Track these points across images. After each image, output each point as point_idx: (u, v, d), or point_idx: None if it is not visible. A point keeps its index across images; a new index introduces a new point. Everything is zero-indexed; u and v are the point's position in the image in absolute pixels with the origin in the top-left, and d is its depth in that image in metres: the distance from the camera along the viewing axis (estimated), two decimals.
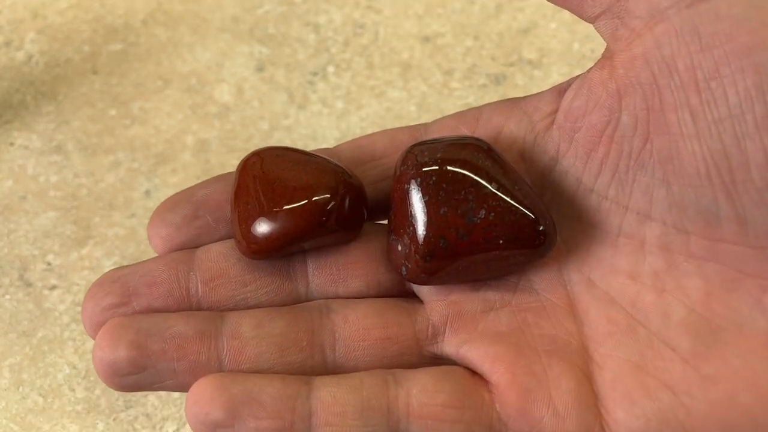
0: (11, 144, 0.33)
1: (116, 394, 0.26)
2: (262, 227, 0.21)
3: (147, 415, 0.26)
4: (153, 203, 0.31)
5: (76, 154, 0.33)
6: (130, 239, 0.30)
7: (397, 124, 0.33)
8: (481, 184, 0.21)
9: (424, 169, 0.21)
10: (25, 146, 0.33)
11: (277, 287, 0.22)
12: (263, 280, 0.22)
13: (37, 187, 0.32)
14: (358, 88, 0.35)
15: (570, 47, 0.36)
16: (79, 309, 0.28)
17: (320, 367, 0.21)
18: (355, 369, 0.21)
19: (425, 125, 0.25)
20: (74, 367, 0.27)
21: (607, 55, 0.21)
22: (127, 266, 0.22)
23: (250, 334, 0.21)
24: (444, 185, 0.21)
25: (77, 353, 0.27)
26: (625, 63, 0.20)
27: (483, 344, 0.21)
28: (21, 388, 0.27)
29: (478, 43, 0.36)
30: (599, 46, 0.37)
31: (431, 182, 0.21)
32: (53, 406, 0.26)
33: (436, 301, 0.22)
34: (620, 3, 0.20)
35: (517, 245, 0.21)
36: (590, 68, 0.22)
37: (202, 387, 0.20)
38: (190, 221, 0.23)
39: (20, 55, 0.36)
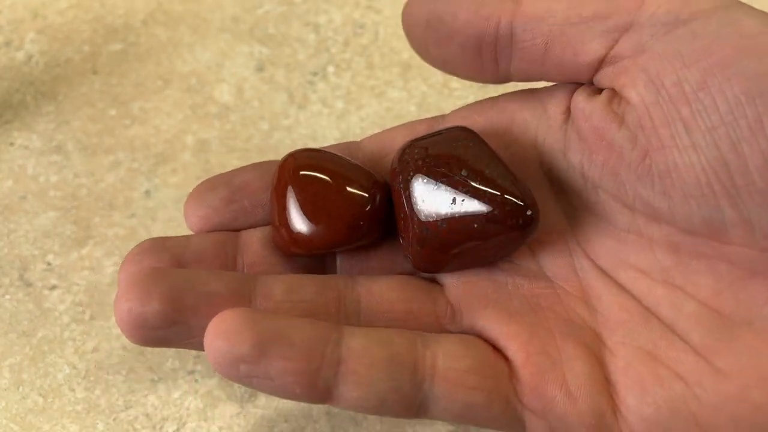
0: (11, 144, 0.33)
1: (116, 394, 0.27)
2: (303, 233, 0.22)
3: (147, 415, 0.26)
4: (153, 203, 0.31)
5: (76, 154, 0.33)
6: (130, 239, 0.30)
7: (398, 124, 0.33)
8: (454, 173, 0.22)
9: (406, 166, 0.22)
10: (25, 146, 0.33)
11: (311, 273, 0.23)
12: (300, 270, 0.23)
13: (37, 187, 0.32)
14: (358, 88, 0.35)
15: None
16: (79, 309, 0.28)
17: None
18: None
19: (443, 116, 0.26)
20: (74, 367, 0.27)
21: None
22: (169, 238, 0.22)
23: (281, 298, 0.21)
24: (423, 179, 0.22)
25: (77, 353, 0.27)
26: (618, 90, 0.21)
27: (499, 323, 0.22)
28: (21, 388, 0.27)
29: None
30: None
31: (411, 177, 0.22)
32: (53, 406, 0.26)
33: (452, 283, 0.23)
34: (610, 53, 0.21)
35: (495, 229, 0.22)
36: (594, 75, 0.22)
37: (229, 319, 0.19)
38: (228, 204, 0.23)
39: (20, 55, 0.36)
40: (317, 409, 0.26)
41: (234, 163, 0.32)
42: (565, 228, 0.23)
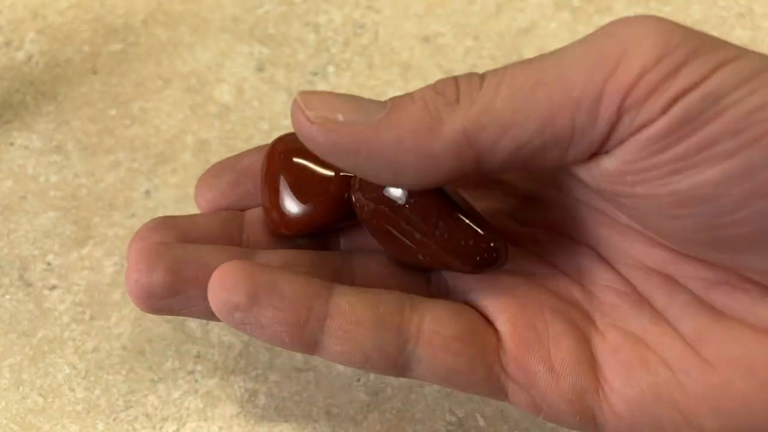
0: (11, 144, 0.33)
1: (116, 394, 0.26)
2: (292, 214, 0.23)
3: (147, 415, 0.26)
4: (153, 203, 0.31)
5: (76, 154, 0.33)
6: (129, 239, 0.30)
7: None
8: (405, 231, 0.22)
9: (363, 207, 0.22)
10: (25, 146, 0.33)
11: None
12: (302, 247, 0.24)
13: (37, 187, 0.32)
14: (358, 88, 0.35)
15: None
16: (79, 309, 0.28)
17: None
18: None
19: None
20: (74, 367, 0.27)
21: None
22: (177, 216, 0.24)
23: None
24: (379, 228, 0.23)
25: (77, 353, 0.27)
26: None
27: (491, 295, 0.22)
28: (21, 388, 0.27)
29: (478, 43, 0.36)
30: None
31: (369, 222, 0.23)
32: (53, 406, 0.26)
33: None
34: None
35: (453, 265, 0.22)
36: None
37: (229, 269, 0.20)
38: (233, 187, 0.24)
39: (20, 55, 0.36)
40: (317, 409, 0.26)
41: None
42: (568, 217, 0.23)
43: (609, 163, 0.19)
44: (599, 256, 0.23)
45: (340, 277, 0.23)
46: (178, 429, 0.26)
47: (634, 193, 0.19)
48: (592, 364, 0.21)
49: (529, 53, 0.36)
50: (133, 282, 0.21)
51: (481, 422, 0.26)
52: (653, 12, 0.36)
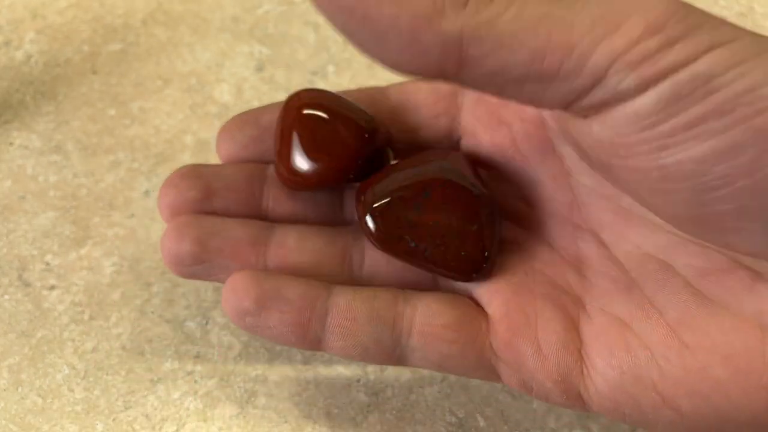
0: (10, 144, 0.33)
1: (116, 394, 0.26)
2: (302, 168, 0.24)
3: (146, 416, 0.26)
4: (153, 203, 0.31)
5: (75, 154, 0.32)
6: (129, 239, 0.30)
7: None
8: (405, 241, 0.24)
9: (365, 210, 0.24)
10: (24, 146, 0.33)
11: (328, 212, 0.26)
12: (319, 205, 0.25)
13: (36, 187, 0.31)
14: (358, 87, 0.35)
15: None
16: (78, 309, 0.28)
17: (348, 280, 0.24)
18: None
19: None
20: (73, 368, 0.27)
21: None
22: (206, 165, 0.25)
23: (294, 246, 0.24)
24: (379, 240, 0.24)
25: (76, 353, 0.27)
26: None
27: (487, 280, 0.23)
28: (20, 389, 0.27)
29: None
30: None
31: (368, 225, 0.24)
32: (52, 407, 0.26)
33: None
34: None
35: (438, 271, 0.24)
36: None
37: (239, 279, 0.22)
38: (256, 142, 0.26)
39: (20, 55, 0.36)
40: (317, 409, 0.26)
41: None
42: (572, 202, 0.24)
43: (602, 133, 0.19)
44: (600, 242, 0.23)
45: (352, 254, 0.24)
46: (177, 429, 0.26)
47: (626, 166, 0.19)
48: (578, 346, 0.22)
49: None
50: (166, 250, 0.24)
51: (481, 422, 0.26)
52: None
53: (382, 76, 0.35)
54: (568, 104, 0.19)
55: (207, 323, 0.28)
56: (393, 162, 0.25)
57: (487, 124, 0.26)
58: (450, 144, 0.26)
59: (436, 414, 0.26)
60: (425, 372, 0.27)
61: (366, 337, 0.22)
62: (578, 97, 0.19)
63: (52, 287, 0.29)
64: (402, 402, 0.26)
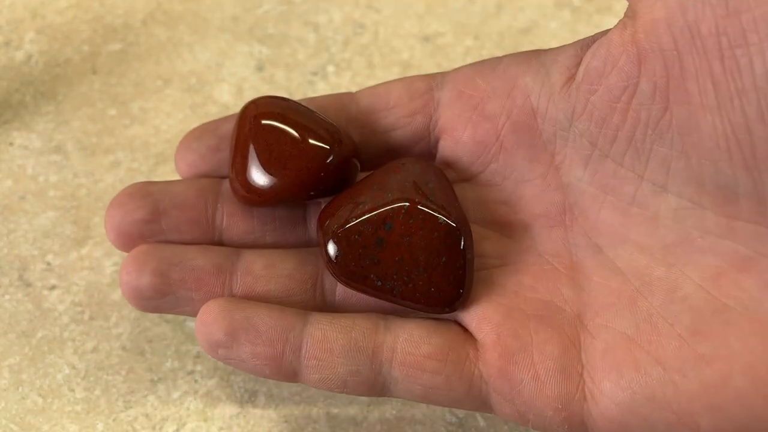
0: (11, 144, 0.33)
1: (116, 394, 0.26)
2: (257, 183, 0.22)
3: (147, 416, 0.26)
4: None
5: (75, 154, 0.32)
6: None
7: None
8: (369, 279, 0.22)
9: (327, 241, 0.22)
10: (24, 146, 0.33)
11: (290, 230, 0.24)
12: (280, 221, 0.24)
13: (36, 187, 0.31)
14: (358, 87, 0.35)
15: None
16: (78, 309, 0.28)
17: (321, 307, 0.23)
18: (353, 312, 0.22)
19: (442, 74, 0.25)
20: (74, 368, 0.27)
21: (630, 14, 0.20)
22: (156, 183, 0.24)
23: (261, 273, 0.22)
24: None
25: (77, 353, 0.27)
26: (646, 26, 0.19)
27: (473, 304, 0.22)
28: (20, 389, 0.27)
29: (478, 43, 0.36)
30: None
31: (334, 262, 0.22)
32: (53, 407, 0.26)
33: None
34: None
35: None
36: (612, 28, 0.21)
37: (209, 309, 0.21)
38: (214, 152, 0.24)
39: (19, 55, 0.36)
40: (317, 409, 0.26)
41: None
42: (563, 202, 0.23)
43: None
44: (596, 247, 0.22)
45: (324, 278, 0.23)
46: (177, 429, 0.26)
47: (692, 68, 0.18)
48: (579, 369, 0.20)
49: None
50: (125, 284, 0.22)
51: (482, 422, 0.26)
52: None
53: (382, 77, 0.35)
54: None
55: None
56: (360, 176, 0.24)
57: (468, 120, 0.24)
58: (427, 145, 0.25)
59: (436, 414, 0.26)
60: None
61: (344, 369, 0.21)
62: None
63: (53, 287, 0.29)
64: (402, 402, 0.26)
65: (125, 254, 0.30)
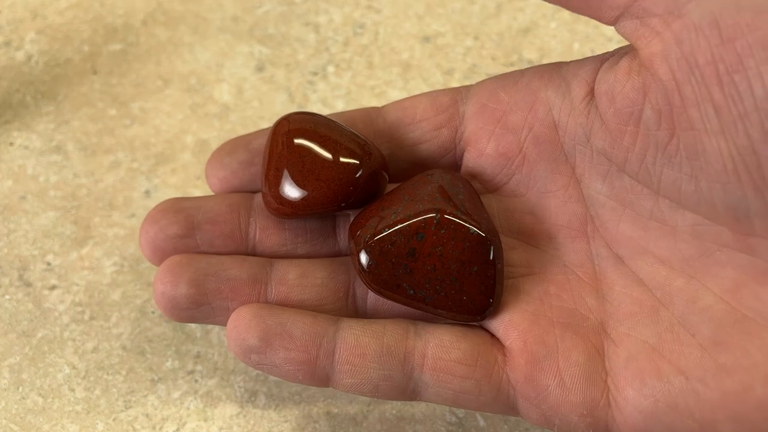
0: (11, 144, 0.33)
1: (116, 394, 0.26)
2: (290, 196, 0.23)
3: (147, 415, 0.26)
4: (153, 203, 0.31)
5: (76, 154, 0.33)
6: (130, 239, 0.30)
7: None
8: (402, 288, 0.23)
9: (360, 251, 0.22)
10: (24, 146, 0.33)
11: (321, 241, 0.24)
12: (311, 233, 0.24)
13: (36, 187, 0.32)
14: (358, 88, 0.35)
15: (570, 47, 0.36)
16: (78, 309, 0.28)
17: (353, 314, 0.23)
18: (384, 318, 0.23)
19: (467, 88, 0.25)
20: (74, 367, 0.27)
21: (633, 49, 0.21)
22: (187, 198, 0.24)
23: (295, 282, 0.23)
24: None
25: (77, 353, 0.27)
26: (644, 60, 0.20)
27: (501, 311, 0.22)
28: (21, 388, 0.27)
29: (478, 43, 0.36)
30: (599, 46, 0.38)
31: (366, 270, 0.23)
32: (53, 407, 0.26)
33: None
34: (638, 3, 0.19)
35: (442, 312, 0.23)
36: (624, 48, 0.21)
37: (242, 315, 0.22)
38: (246, 167, 0.25)
39: (20, 55, 0.36)
40: (317, 409, 0.26)
41: None
42: (584, 214, 0.23)
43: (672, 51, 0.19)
44: (617, 258, 0.22)
45: (356, 287, 0.24)
46: (178, 429, 0.26)
47: (693, 99, 0.19)
48: (603, 376, 0.21)
49: (530, 53, 0.36)
50: (160, 294, 0.22)
51: (481, 422, 0.26)
52: None
53: (381, 77, 0.35)
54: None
55: None
56: (388, 187, 0.24)
57: (491, 132, 0.24)
58: (453, 158, 0.25)
59: (436, 414, 0.26)
60: None
61: (376, 373, 0.21)
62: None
63: (53, 287, 0.29)
64: (402, 402, 0.26)
65: (125, 254, 0.30)
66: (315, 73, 0.35)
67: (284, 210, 0.23)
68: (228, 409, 0.26)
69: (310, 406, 0.26)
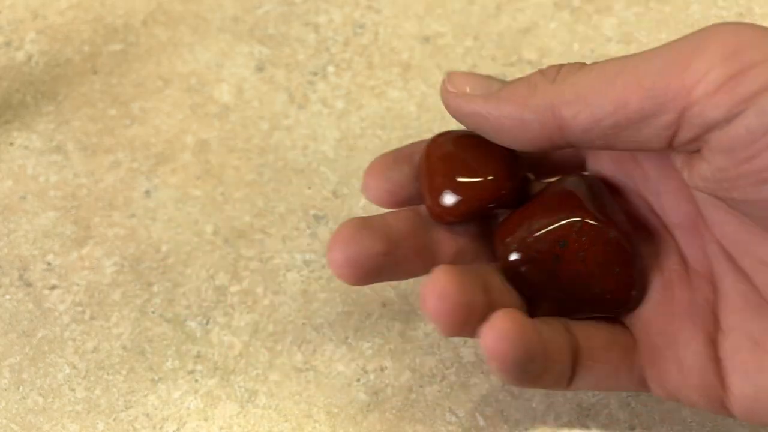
0: (11, 144, 0.33)
1: (116, 394, 0.26)
2: (450, 198, 0.24)
3: (147, 415, 0.26)
4: (153, 203, 0.31)
5: (76, 154, 0.33)
6: (130, 239, 0.30)
7: (398, 125, 0.33)
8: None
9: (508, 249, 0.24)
10: (25, 146, 0.33)
11: (484, 244, 0.25)
12: (476, 239, 0.25)
13: (37, 187, 0.32)
14: (358, 88, 0.35)
15: (570, 47, 0.36)
16: (79, 309, 0.28)
17: None
18: None
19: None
20: (74, 367, 0.27)
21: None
22: (371, 217, 0.25)
23: (501, 287, 0.24)
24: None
25: (77, 353, 0.27)
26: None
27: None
28: (21, 388, 0.27)
29: (478, 43, 0.36)
30: (599, 46, 0.38)
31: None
32: (53, 406, 0.26)
33: None
34: (675, 143, 0.21)
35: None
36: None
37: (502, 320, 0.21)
38: (412, 181, 0.25)
39: (20, 55, 0.36)
40: (317, 409, 0.26)
41: (234, 163, 0.32)
42: (696, 213, 0.24)
43: (705, 170, 0.20)
44: (728, 255, 0.24)
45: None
46: (178, 429, 0.26)
47: (732, 198, 0.20)
48: (717, 363, 0.22)
49: (529, 53, 0.36)
50: (430, 307, 0.22)
51: (481, 422, 0.26)
52: (652, 12, 0.36)
53: (381, 77, 0.35)
54: (669, 142, 0.20)
55: (208, 323, 0.28)
56: (534, 186, 0.26)
57: None
58: (576, 163, 0.27)
59: (436, 413, 0.26)
60: (425, 371, 0.27)
61: (560, 366, 0.23)
62: (673, 133, 0.20)
63: (53, 287, 0.29)
64: (402, 401, 0.26)
65: (125, 254, 0.30)
66: (315, 73, 0.35)
67: (444, 214, 0.24)
68: (228, 409, 0.26)
69: (310, 406, 0.26)
